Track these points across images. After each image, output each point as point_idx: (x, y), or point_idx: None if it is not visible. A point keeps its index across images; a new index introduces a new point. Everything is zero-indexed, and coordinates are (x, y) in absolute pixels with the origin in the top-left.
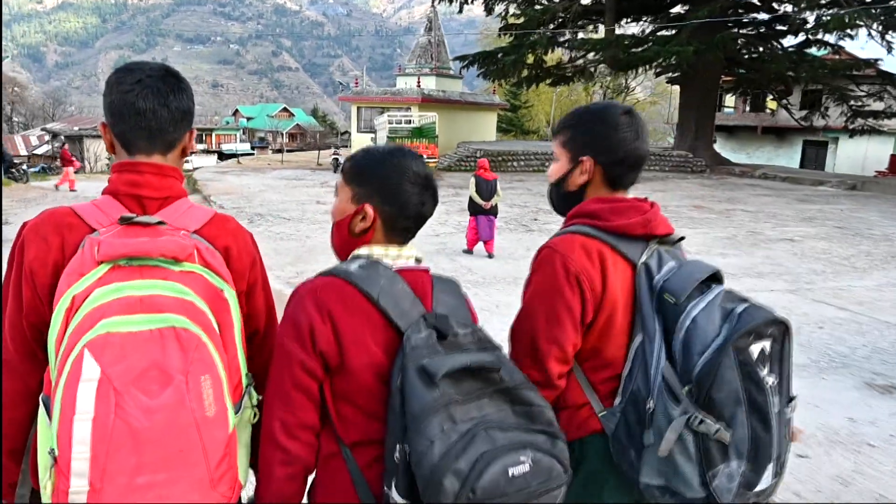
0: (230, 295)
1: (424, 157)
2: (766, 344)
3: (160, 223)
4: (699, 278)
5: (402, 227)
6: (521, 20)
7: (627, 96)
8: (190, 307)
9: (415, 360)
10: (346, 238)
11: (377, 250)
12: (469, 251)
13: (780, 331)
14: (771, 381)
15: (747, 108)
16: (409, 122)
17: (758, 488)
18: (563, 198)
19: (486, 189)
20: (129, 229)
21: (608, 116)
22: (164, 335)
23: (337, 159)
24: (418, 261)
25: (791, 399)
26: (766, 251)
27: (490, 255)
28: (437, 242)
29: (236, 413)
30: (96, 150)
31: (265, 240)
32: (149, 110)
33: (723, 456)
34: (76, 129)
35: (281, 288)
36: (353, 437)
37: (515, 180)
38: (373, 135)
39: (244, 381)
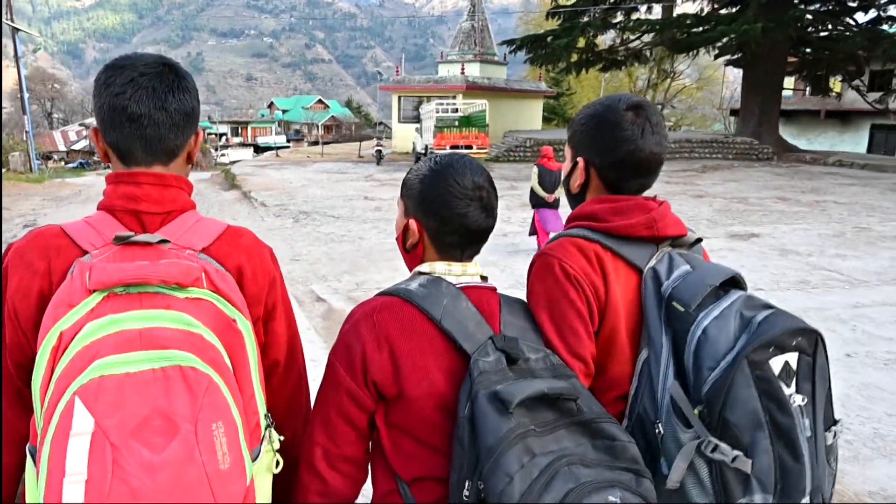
0: (244, 326)
1: (474, 146)
2: (790, 357)
3: (163, 241)
4: (712, 284)
5: (449, 243)
6: (572, 1)
7: (673, 81)
8: (198, 341)
9: (485, 386)
10: (404, 254)
11: (440, 267)
12: None
13: (810, 341)
14: (798, 400)
15: (807, 92)
16: (456, 110)
17: None
18: (570, 198)
19: (550, 180)
20: (126, 250)
21: (607, 112)
22: (169, 376)
23: (380, 151)
24: (484, 279)
25: (835, 422)
26: (889, 251)
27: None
28: (507, 244)
29: (254, 460)
30: None
31: (315, 243)
32: (144, 116)
33: (744, 489)
34: None
35: (343, 307)
36: (414, 472)
37: None
38: (417, 125)
39: (262, 422)
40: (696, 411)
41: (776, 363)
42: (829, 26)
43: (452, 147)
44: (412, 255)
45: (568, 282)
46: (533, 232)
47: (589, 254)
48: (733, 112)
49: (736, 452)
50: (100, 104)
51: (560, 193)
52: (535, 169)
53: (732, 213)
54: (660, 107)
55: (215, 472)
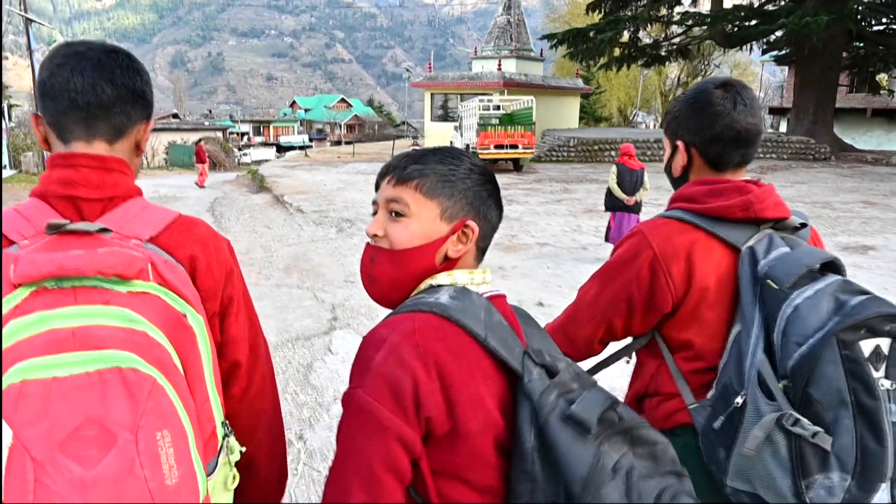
0: (195, 321)
1: (520, 146)
2: (882, 342)
3: (103, 230)
4: (809, 265)
5: (487, 245)
6: None
7: (705, 78)
8: (142, 340)
9: (551, 409)
10: (426, 268)
11: (461, 276)
12: None
13: None
14: (887, 384)
15: (853, 89)
16: (498, 107)
17: None
18: (672, 183)
19: (630, 181)
20: (60, 240)
21: (699, 93)
22: (106, 379)
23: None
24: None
25: None
26: None
27: None
28: (591, 258)
29: (210, 475)
30: (153, 144)
31: None
32: (87, 85)
33: (821, 465)
34: None
35: None
36: None
37: None
38: (455, 123)
39: (219, 431)
40: (780, 385)
41: (867, 346)
42: (885, 20)
43: (497, 146)
44: (441, 266)
45: (635, 258)
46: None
47: (678, 237)
48: (772, 111)
49: (816, 428)
50: (41, 79)
51: (641, 196)
52: (614, 168)
53: (827, 221)
54: None
55: (160, 489)
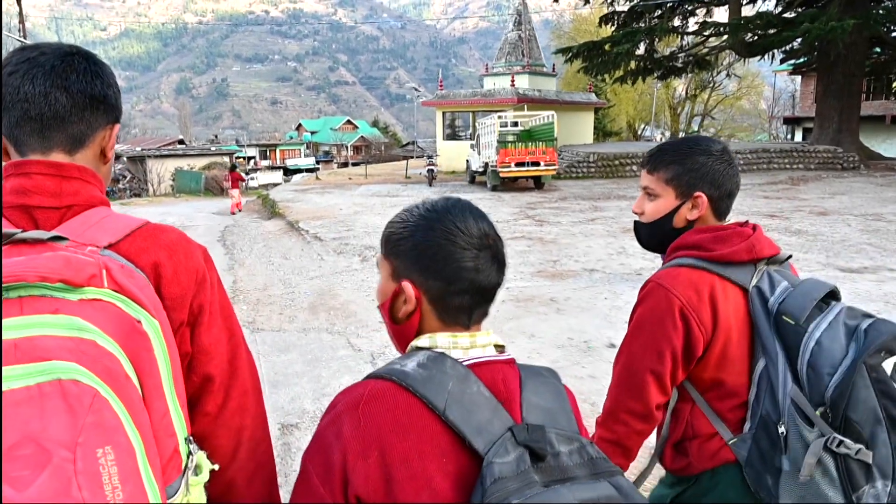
0: (150, 326)
1: (542, 163)
2: None
3: (58, 238)
4: (816, 297)
5: (457, 306)
6: (631, 4)
7: (714, 91)
8: (89, 349)
9: (500, 499)
10: (394, 327)
11: (442, 340)
12: None
13: None
14: None
15: (870, 97)
16: (516, 123)
17: None
18: (665, 235)
19: None
20: (11, 250)
21: (713, 150)
22: (46, 393)
23: (432, 170)
24: (499, 348)
25: None
26: None
27: None
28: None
29: (173, 496)
30: (159, 170)
31: None
32: (39, 94)
33: (867, 476)
34: (139, 149)
35: None
36: None
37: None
38: (472, 142)
39: (182, 448)
40: (817, 412)
41: (888, 364)
42: None
43: (517, 164)
44: (404, 326)
45: (668, 311)
46: None
47: (698, 284)
48: (787, 120)
49: (858, 446)
50: None
51: None
52: None
53: (888, 235)
54: (700, 118)
55: None
